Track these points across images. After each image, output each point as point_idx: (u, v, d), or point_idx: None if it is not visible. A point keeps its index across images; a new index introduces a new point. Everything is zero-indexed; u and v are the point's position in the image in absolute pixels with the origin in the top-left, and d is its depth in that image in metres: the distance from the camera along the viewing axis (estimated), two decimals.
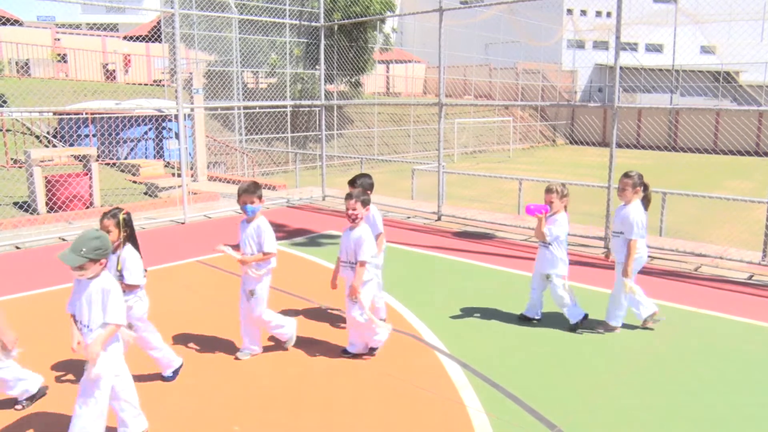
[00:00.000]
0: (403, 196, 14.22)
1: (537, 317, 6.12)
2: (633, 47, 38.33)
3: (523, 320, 6.12)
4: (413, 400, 4.52)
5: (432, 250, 8.96)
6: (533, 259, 8.37)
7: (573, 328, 5.86)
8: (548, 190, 5.87)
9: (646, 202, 5.85)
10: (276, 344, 5.49)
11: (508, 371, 4.97)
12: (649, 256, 8.45)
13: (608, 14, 41.00)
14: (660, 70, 34.05)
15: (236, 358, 5.19)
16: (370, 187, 5.88)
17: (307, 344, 5.50)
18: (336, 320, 6.11)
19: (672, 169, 24.20)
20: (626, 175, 5.82)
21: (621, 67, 8.82)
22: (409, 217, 11.41)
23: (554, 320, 6.12)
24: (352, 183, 5.89)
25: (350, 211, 5.09)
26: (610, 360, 5.19)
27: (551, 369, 5.03)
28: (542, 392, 4.61)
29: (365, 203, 5.19)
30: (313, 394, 4.62)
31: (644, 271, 7.81)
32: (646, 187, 5.83)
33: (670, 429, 4.13)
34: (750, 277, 7.63)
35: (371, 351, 5.28)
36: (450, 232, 10.12)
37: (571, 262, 8.28)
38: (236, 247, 5.12)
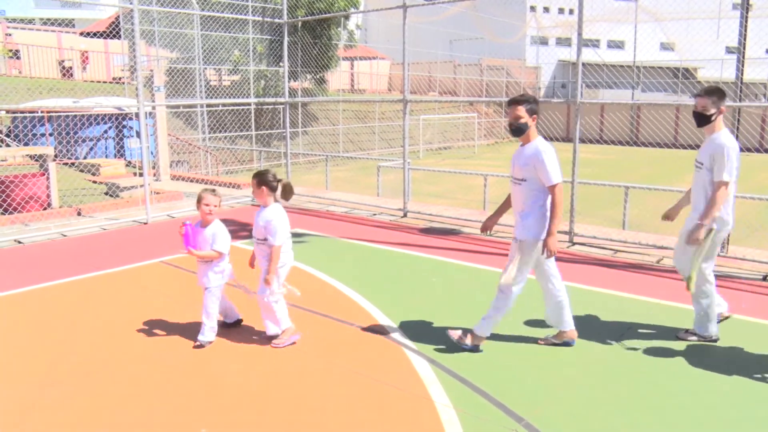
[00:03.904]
0: (368, 193, 14.18)
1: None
2: (595, 44, 38.90)
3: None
4: (382, 397, 4.48)
5: (398, 246, 8.94)
6: (499, 254, 8.48)
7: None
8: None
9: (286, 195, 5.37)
10: (242, 342, 5.40)
11: (476, 366, 4.96)
12: (612, 249, 8.63)
13: (571, 11, 41.58)
14: (621, 66, 34.63)
15: None
16: None
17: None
18: (304, 319, 6.04)
19: (635, 164, 24.65)
20: (258, 175, 5.22)
21: (583, 64, 8.91)
22: (375, 214, 11.36)
23: (519, 313, 6.14)
24: None
25: None
26: (577, 353, 5.23)
27: (519, 363, 5.05)
28: (510, 386, 4.62)
29: None
30: (281, 393, 4.55)
31: (608, 264, 7.93)
32: (285, 186, 5.32)
33: (635, 417, 4.19)
34: None
35: None
36: (416, 229, 10.12)
37: None
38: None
